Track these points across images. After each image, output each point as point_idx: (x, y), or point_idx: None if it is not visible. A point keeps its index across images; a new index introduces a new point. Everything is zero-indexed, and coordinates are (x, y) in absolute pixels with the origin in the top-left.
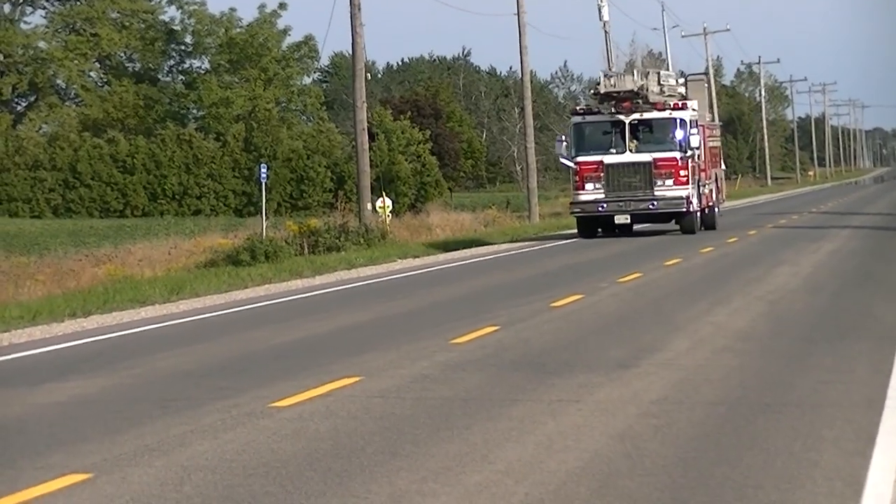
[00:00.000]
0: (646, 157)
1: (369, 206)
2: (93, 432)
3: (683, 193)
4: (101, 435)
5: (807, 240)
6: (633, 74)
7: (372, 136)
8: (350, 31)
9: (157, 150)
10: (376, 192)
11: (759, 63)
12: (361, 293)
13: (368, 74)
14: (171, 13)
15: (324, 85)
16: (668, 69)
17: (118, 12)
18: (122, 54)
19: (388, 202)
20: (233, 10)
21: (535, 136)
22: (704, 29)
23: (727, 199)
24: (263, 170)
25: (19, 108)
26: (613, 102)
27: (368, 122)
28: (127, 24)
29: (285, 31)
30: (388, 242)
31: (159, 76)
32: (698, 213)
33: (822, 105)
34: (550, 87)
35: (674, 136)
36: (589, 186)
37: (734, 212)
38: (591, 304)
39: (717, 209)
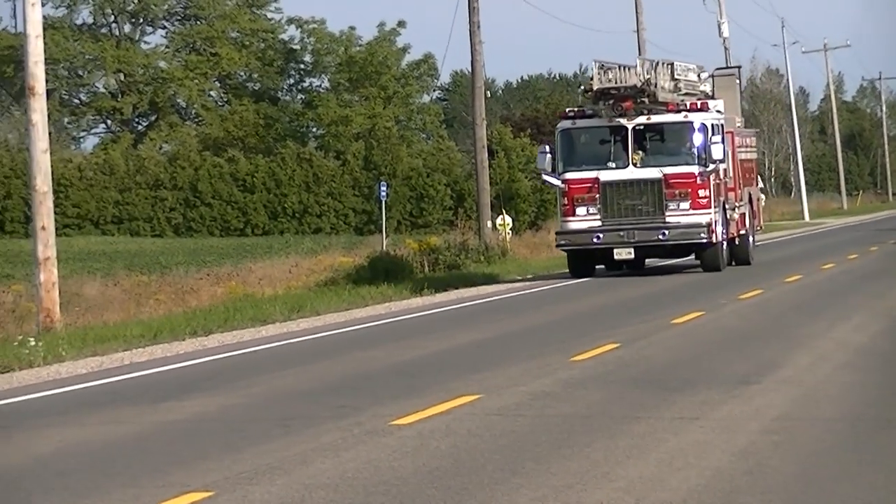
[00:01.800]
0: (654, 172)
1: (489, 223)
2: (213, 450)
3: (704, 220)
4: (221, 453)
5: None
6: (638, 66)
7: (492, 154)
8: (469, 48)
9: (276, 169)
10: (496, 210)
11: (879, 79)
12: (481, 311)
13: (488, 92)
14: (290, 32)
15: (443, 103)
16: (788, 86)
17: (238, 32)
18: (242, 74)
19: (509, 220)
20: (352, 28)
21: None
22: (825, 45)
23: (850, 212)
24: (383, 188)
25: (140, 127)
26: (612, 102)
27: (488, 140)
28: (247, 43)
29: (404, 50)
30: (508, 260)
31: (279, 95)
32: (724, 245)
33: None
34: None
35: (691, 146)
36: (581, 211)
37: (851, 228)
38: (704, 324)
39: (750, 238)
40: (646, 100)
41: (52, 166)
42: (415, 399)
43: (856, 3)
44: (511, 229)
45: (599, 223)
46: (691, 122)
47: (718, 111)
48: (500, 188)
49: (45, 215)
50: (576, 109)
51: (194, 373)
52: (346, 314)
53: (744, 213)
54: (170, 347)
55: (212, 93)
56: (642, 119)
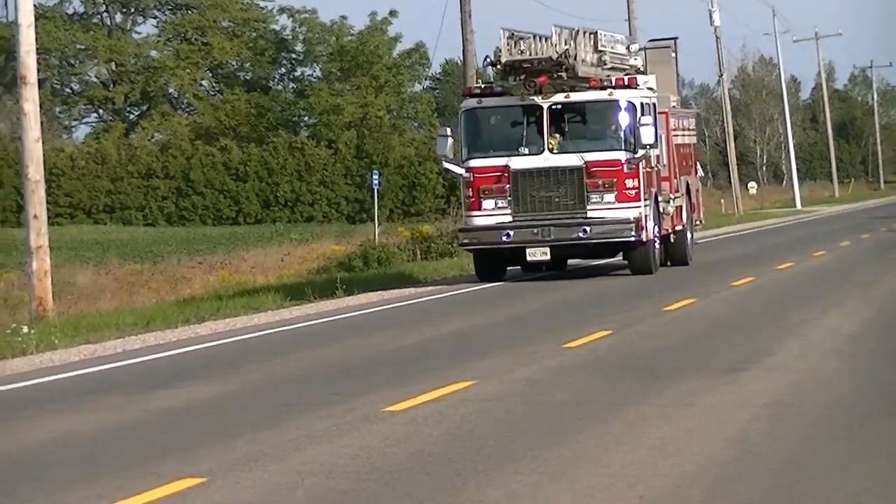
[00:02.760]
0: (574, 159)
1: None
2: (206, 437)
3: (632, 214)
4: (214, 440)
5: None
6: (553, 35)
7: None
8: (461, 37)
9: (269, 158)
10: None
11: (871, 67)
12: (474, 299)
13: (479, 81)
14: (282, 22)
15: (435, 92)
16: (779, 75)
17: (229, 21)
18: (234, 63)
19: None
20: (343, 18)
21: None
22: (816, 33)
23: (844, 200)
24: (375, 176)
25: (132, 116)
26: (524, 77)
27: None
28: (238, 33)
29: (396, 39)
30: None
31: (270, 84)
32: (657, 243)
33: None
34: None
35: (617, 128)
36: (488, 205)
37: (845, 216)
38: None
39: (689, 235)
40: (563, 74)
41: (44, 155)
42: (408, 386)
43: None
44: None
45: (510, 218)
46: (617, 101)
47: (650, 88)
48: None
49: (37, 204)
50: (483, 86)
51: (187, 360)
52: (338, 302)
53: (680, 206)
54: (162, 335)
55: (203, 82)
56: (560, 97)
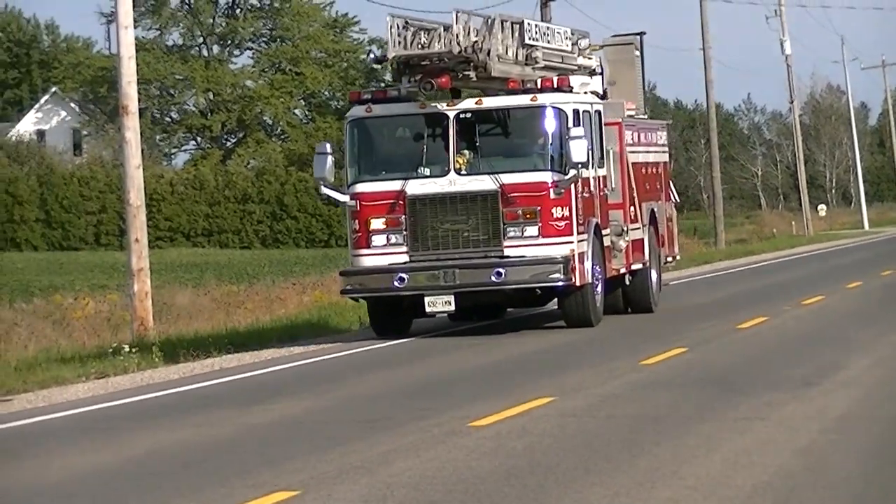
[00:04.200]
0: (487, 182)
1: None
2: (300, 451)
3: (560, 252)
4: (307, 454)
5: None
6: (455, 24)
7: None
8: None
9: None
10: None
11: None
12: (557, 316)
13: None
14: (372, 52)
15: None
16: (848, 101)
17: (322, 52)
18: (326, 92)
19: None
20: None
21: (721, 166)
22: (883, 61)
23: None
24: None
25: (228, 144)
26: (420, 77)
27: None
28: (330, 63)
29: None
30: None
31: None
32: (599, 287)
33: None
34: (735, 118)
35: (543, 143)
36: (378, 241)
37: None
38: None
39: (653, 275)
40: (472, 74)
41: (144, 181)
42: (492, 401)
43: None
44: None
45: (405, 258)
46: (542, 108)
47: (594, 92)
48: None
49: (138, 228)
50: (374, 90)
51: (281, 378)
52: (424, 320)
53: (641, 240)
54: (258, 354)
55: (297, 111)
56: (470, 103)
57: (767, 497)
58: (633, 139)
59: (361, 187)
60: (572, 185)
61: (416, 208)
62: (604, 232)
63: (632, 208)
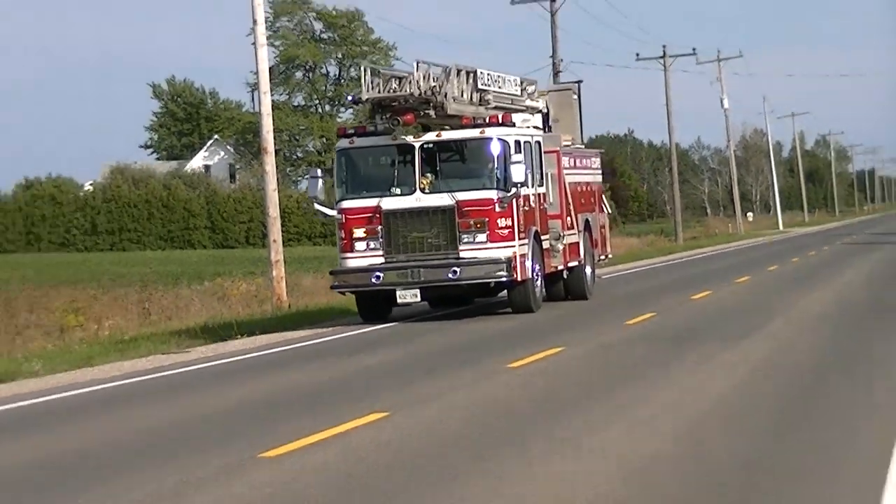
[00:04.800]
0: (445, 199)
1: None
2: (389, 385)
3: (504, 254)
4: (395, 387)
5: (864, 252)
6: (415, 72)
7: None
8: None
9: None
10: None
11: (829, 135)
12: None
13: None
14: None
15: None
16: (768, 141)
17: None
18: None
19: None
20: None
21: (679, 186)
22: (793, 113)
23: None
24: None
25: None
26: (389, 116)
27: None
28: None
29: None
30: None
31: None
32: (539, 281)
33: (873, 161)
34: (689, 153)
35: (490, 167)
36: (360, 246)
37: (811, 235)
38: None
39: (587, 270)
40: (431, 112)
41: (279, 200)
42: (521, 350)
43: (812, 83)
44: None
45: (381, 260)
46: (489, 139)
47: (536, 127)
48: None
49: (275, 232)
50: (356, 126)
51: (378, 336)
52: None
53: (577, 243)
54: (355, 319)
55: None
56: (432, 136)
57: (713, 417)
58: (569, 164)
59: (347, 203)
60: (514, 201)
61: (390, 220)
62: (543, 237)
63: (568, 218)
